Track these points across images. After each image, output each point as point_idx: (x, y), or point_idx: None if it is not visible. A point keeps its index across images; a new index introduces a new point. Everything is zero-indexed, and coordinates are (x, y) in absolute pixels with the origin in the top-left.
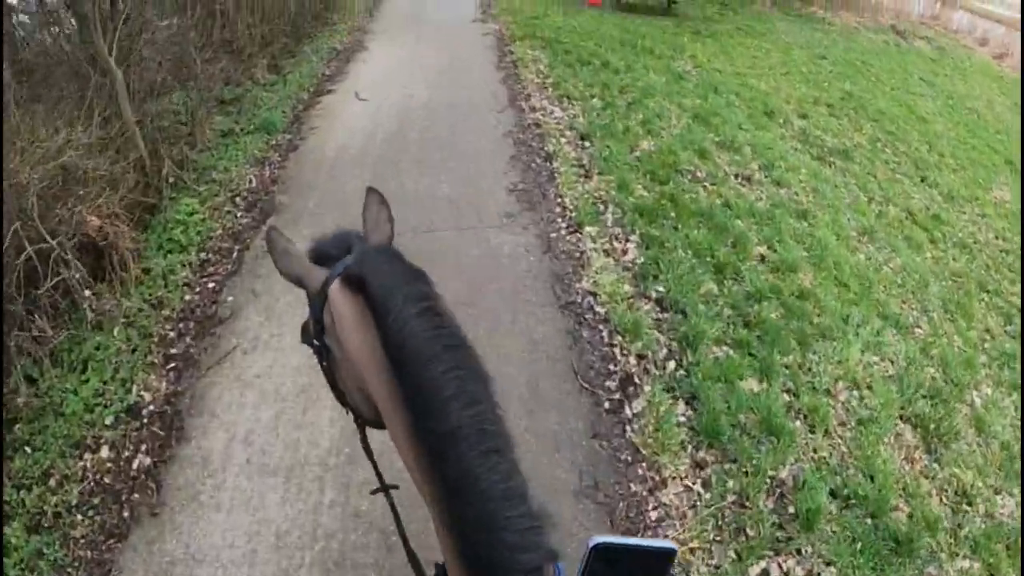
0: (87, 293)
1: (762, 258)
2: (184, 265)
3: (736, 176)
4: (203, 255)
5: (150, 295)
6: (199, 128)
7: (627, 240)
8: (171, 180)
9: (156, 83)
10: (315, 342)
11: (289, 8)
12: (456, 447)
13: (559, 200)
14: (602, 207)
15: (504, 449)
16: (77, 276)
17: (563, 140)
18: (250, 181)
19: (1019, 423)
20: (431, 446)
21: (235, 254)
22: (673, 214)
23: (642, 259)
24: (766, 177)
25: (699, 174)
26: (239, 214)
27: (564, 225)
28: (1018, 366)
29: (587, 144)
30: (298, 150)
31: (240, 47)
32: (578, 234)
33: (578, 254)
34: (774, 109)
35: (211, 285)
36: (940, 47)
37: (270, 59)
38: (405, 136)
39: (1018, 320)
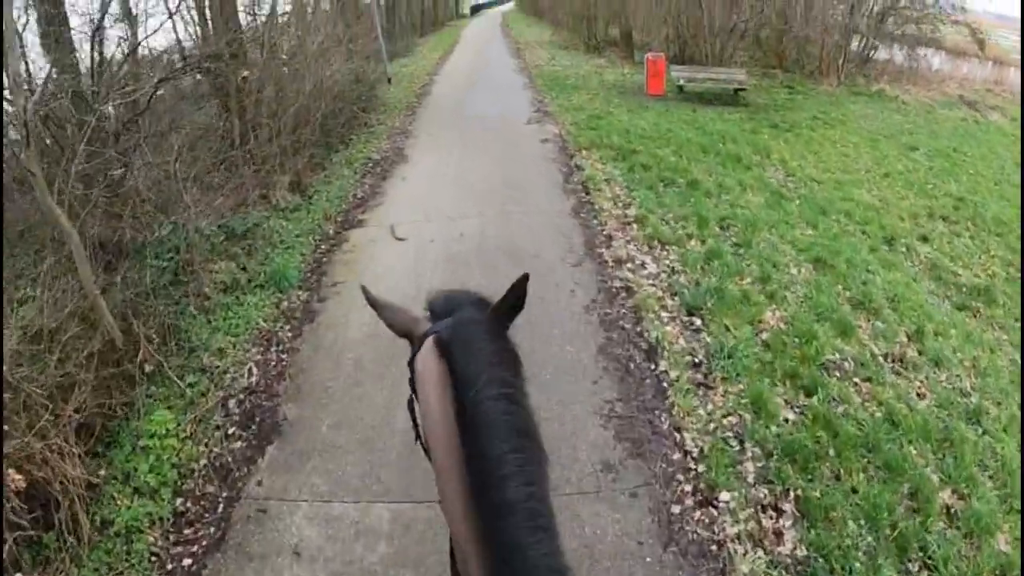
0: None
1: (949, 514)
2: (153, 522)
3: (887, 358)
4: (179, 502)
5: (109, 569)
6: (194, 279)
7: (779, 513)
8: (148, 370)
9: (125, 238)
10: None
11: (320, 110)
12: (510, 519)
13: (675, 436)
14: (736, 446)
15: (551, 528)
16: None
17: (665, 316)
18: (249, 373)
19: None
20: (485, 513)
21: (220, 507)
22: (831, 450)
23: (804, 549)
24: (920, 354)
25: (846, 365)
26: (231, 431)
27: (688, 489)
28: None
29: (697, 322)
30: (315, 321)
31: (261, 159)
32: (710, 507)
33: (714, 546)
34: (892, 234)
35: (187, 562)
36: (1014, 118)
37: (294, 175)
38: None
39: None
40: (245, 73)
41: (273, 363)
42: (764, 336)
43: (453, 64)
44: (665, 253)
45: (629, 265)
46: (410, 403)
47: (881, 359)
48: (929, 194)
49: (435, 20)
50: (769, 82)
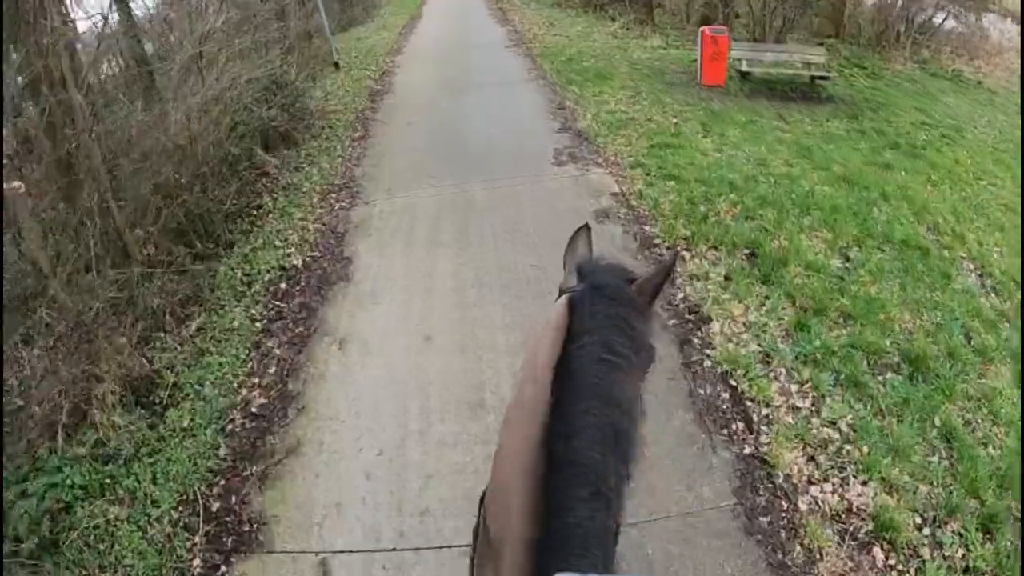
0: None
1: None
2: None
3: None
4: None
5: None
6: None
7: None
8: None
9: None
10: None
11: (194, 172)
12: (566, 472)
13: None
14: None
15: (608, 496)
16: None
17: None
18: None
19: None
20: (550, 462)
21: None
22: None
23: None
24: None
25: None
26: None
27: None
28: None
29: None
30: None
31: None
32: None
33: None
34: None
35: None
36: None
37: (118, 382)
38: None
39: None
40: None
41: None
42: None
43: (422, 33)
44: None
45: None
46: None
47: None
48: None
49: None
50: (832, 57)
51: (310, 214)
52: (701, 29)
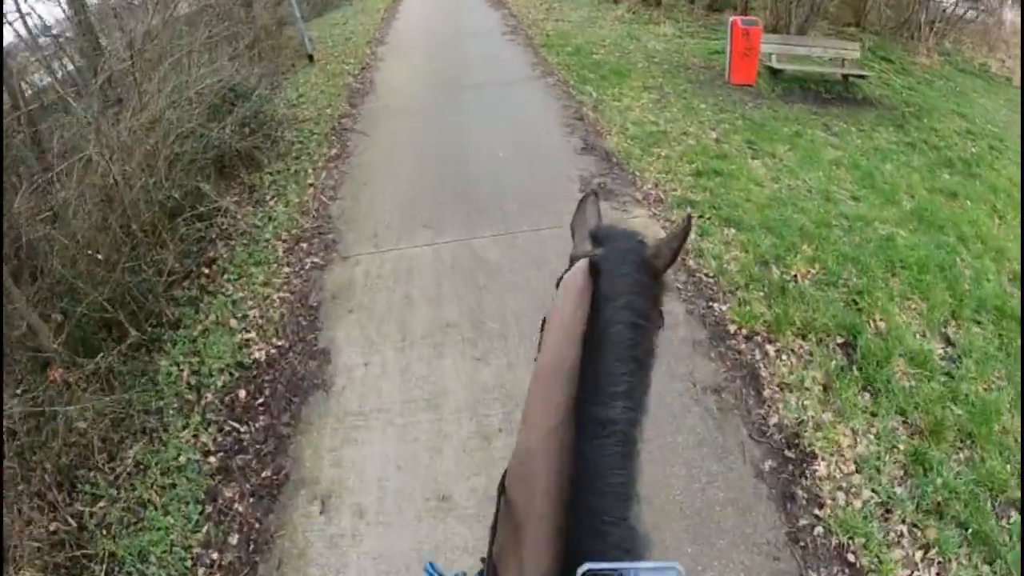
0: None
1: None
2: None
3: None
4: None
5: None
6: None
7: None
8: None
9: None
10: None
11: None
12: (605, 438)
13: None
14: None
15: (635, 455)
16: None
17: None
18: None
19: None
20: (581, 424)
21: None
22: None
23: None
24: None
25: None
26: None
27: None
28: None
29: None
30: None
31: None
32: None
33: None
34: None
35: None
36: None
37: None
38: None
39: None
40: None
41: None
42: None
43: (408, 18)
44: None
45: None
46: (543, 323)
47: None
48: None
49: None
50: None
51: (274, 276)
52: (731, 20)
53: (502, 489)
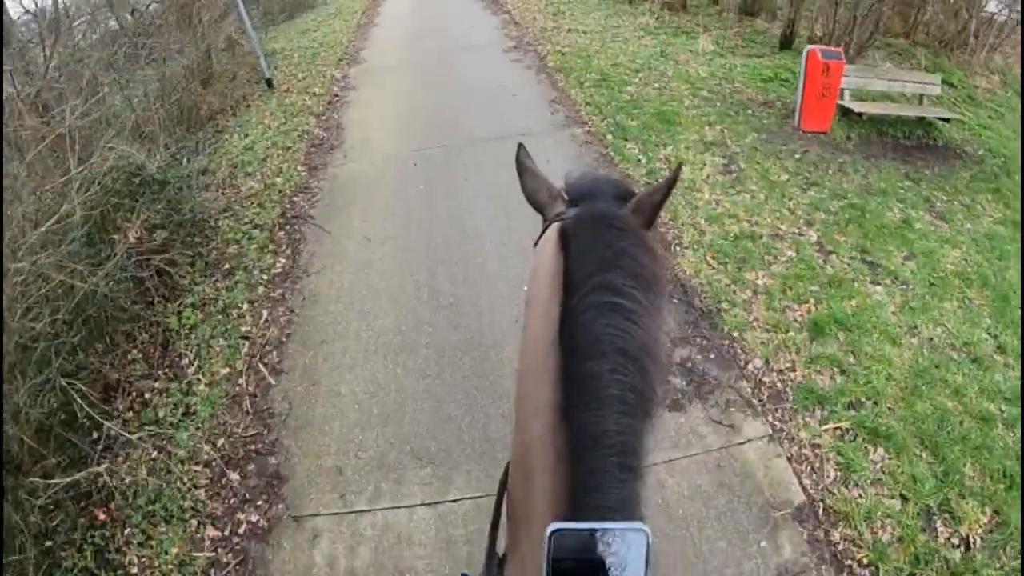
0: None
1: None
2: None
3: None
4: None
5: None
6: None
7: None
8: None
9: None
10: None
11: None
12: (597, 450)
13: None
14: None
15: (637, 468)
16: None
17: None
18: None
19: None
20: (572, 437)
21: None
22: None
23: None
24: None
25: None
26: None
27: None
28: None
29: None
30: None
31: None
32: None
33: None
34: None
35: None
36: None
37: None
38: None
39: None
40: None
41: None
42: None
43: (387, 26)
44: None
45: None
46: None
47: None
48: None
49: None
50: (908, 64)
51: (196, 548)
52: (808, 51)
53: (504, 483)
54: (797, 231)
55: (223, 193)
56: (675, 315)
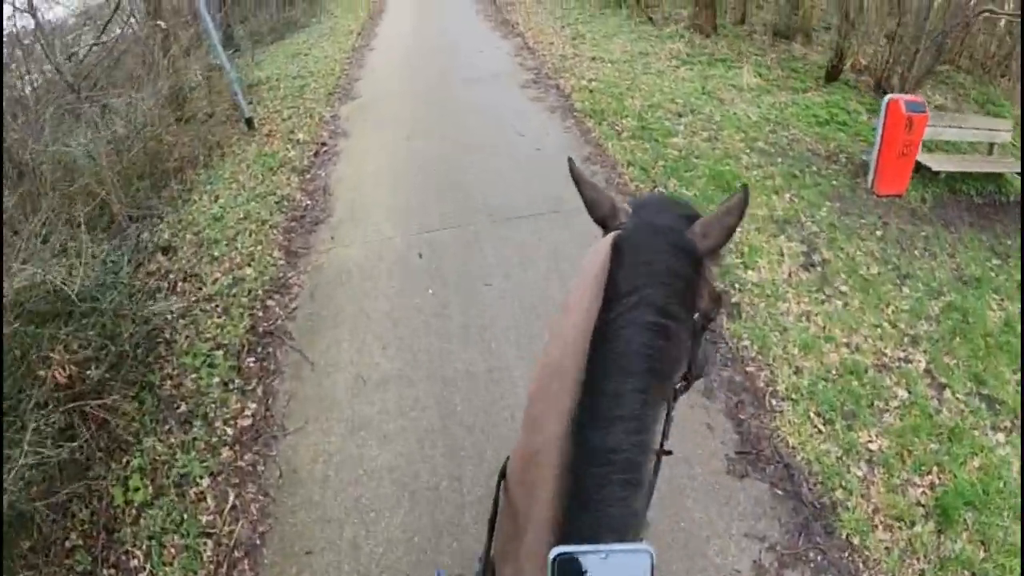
0: None
1: None
2: None
3: None
4: None
5: None
6: None
7: None
8: None
9: None
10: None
11: None
12: (605, 466)
13: None
14: None
15: (641, 483)
16: None
17: None
18: None
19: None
20: (581, 447)
21: None
22: None
23: None
24: None
25: None
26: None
27: None
28: None
29: None
30: None
31: None
32: None
33: None
34: None
35: None
36: None
37: None
38: None
39: None
40: None
41: None
42: None
43: (385, 48)
44: None
45: None
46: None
47: None
48: None
49: None
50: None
51: None
52: (888, 101)
53: (501, 481)
54: (903, 355)
55: (182, 289)
56: (781, 514)
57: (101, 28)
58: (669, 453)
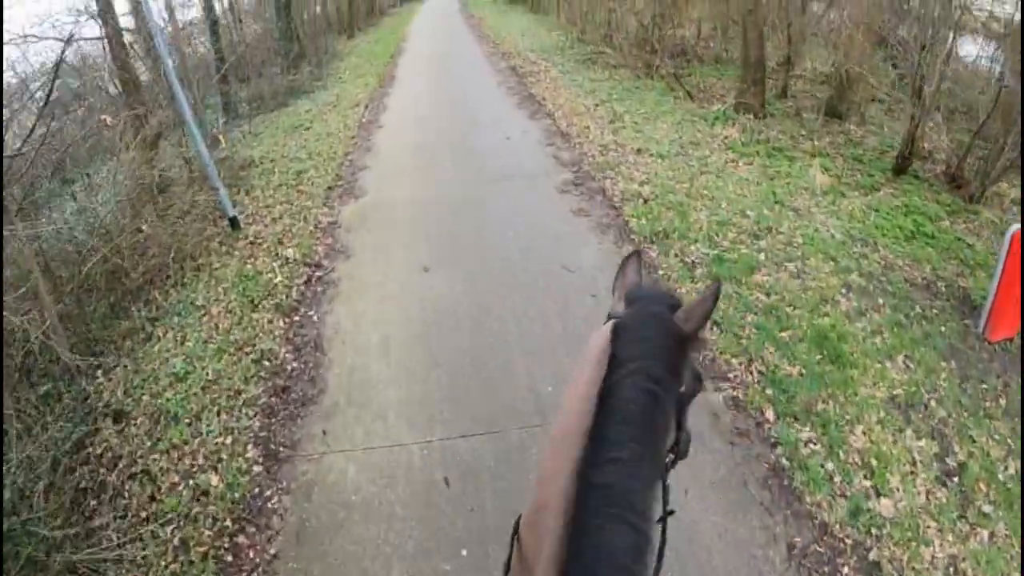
0: None
1: None
2: None
3: None
4: None
5: None
6: None
7: None
8: None
9: None
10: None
11: None
12: (602, 501)
13: None
14: None
15: (639, 527)
16: None
17: None
18: None
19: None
20: (581, 488)
21: None
22: None
23: None
24: None
25: None
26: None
27: None
28: None
29: None
30: None
31: None
32: None
33: None
34: None
35: None
36: None
37: None
38: None
39: None
40: None
41: None
42: None
43: (395, 126)
44: None
45: None
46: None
47: None
48: None
49: (371, 8)
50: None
51: None
52: (1012, 234)
53: (516, 533)
54: None
55: (129, 493)
56: None
57: (40, 106)
58: (672, 513)
